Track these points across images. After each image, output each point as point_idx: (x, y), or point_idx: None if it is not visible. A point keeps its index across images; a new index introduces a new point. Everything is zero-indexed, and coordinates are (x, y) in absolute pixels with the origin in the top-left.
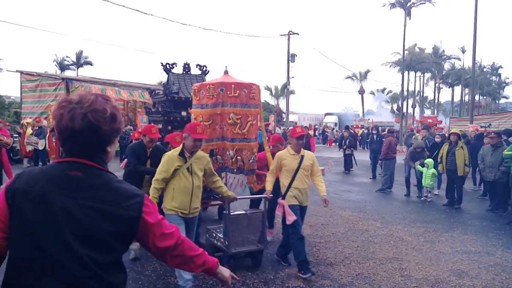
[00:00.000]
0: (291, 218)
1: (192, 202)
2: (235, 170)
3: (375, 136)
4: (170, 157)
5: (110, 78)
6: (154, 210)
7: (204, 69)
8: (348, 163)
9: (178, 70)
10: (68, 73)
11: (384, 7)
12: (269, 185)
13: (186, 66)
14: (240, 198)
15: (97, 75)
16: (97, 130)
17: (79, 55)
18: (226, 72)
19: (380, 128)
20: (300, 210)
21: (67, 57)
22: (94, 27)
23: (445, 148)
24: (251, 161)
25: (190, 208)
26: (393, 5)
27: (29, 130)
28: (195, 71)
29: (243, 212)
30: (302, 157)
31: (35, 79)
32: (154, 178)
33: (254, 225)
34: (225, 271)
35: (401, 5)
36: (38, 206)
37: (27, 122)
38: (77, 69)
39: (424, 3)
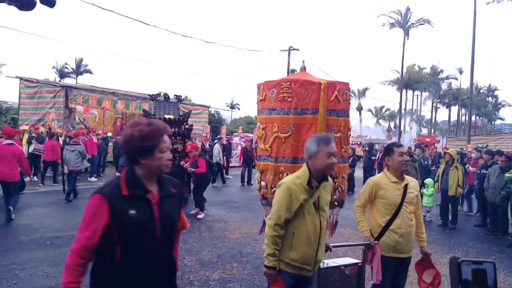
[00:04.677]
0: (377, 277)
1: (318, 253)
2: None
3: (366, 153)
4: (292, 187)
5: (109, 87)
6: None
7: (180, 98)
8: (351, 182)
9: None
10: (68, 81)
11: (384, 26)
12: (365, 227)
13: (166, 96)
14: (335, 246)
15: (96, 84)
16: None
17: (79, 63)
18: (303, 69)
19: (378, 146)
20: (397, 263)
21: (66, 64)
22: (96, 36)
23: (441, 167)
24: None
25: (315, 262)
26: (392, 25)
27: (25, 139)
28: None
29: (337, 265)
30: (406, 186)
31: (34, 86)
32: (271, 223)
33: (349, 283)
34: None
35: (400, 25)
36: None
37: (23, 129)
38: (77, 77)
39: (423, 24)
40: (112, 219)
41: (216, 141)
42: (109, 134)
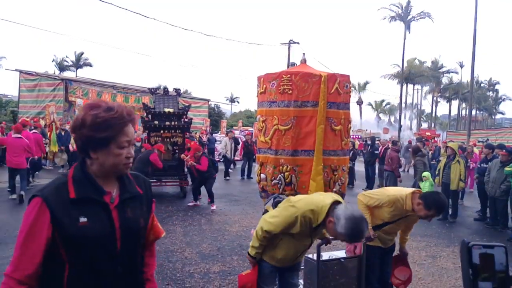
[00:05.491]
0: (358, 251)
1: (299, 257)
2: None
3: (368, 147)
4: (300, 220)
5: (109, 80)
6: None
7: (179, 91)
8: (351, 176)
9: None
10: (67, 74)
11: (384, 20)
12: (367, 220)
13: (165, 89)
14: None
15: (96, 77)
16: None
17: (78, 56)
18: (304, 62)
19: (378, 139)
20: (381, 252)
21: (66, 57)
22: (96, 29)
23: (443, 161)
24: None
25: (294, 262)
26: (393, 19)
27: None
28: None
29: (337, 257)
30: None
31: (34, 79)
32: (265, 228)
33: (349, 276)
34: None
35: (401, 19)
36: None
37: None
38: (76, 70)
39: (424, 18)
40: (56, 230)
41: (218, 134)
42: None
